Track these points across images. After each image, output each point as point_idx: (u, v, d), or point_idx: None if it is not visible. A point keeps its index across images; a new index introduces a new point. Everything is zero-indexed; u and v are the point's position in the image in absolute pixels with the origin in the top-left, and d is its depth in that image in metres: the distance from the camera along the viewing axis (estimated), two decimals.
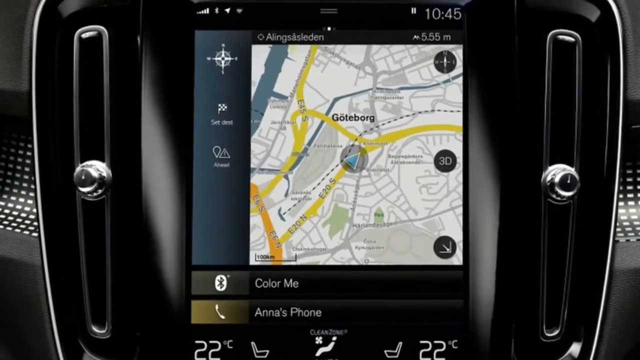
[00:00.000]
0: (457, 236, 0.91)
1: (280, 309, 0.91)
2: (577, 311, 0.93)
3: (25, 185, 1.03)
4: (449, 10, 0.92)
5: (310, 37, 0.93)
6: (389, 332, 0.91)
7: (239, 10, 0.93)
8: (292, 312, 0.91)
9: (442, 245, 0.91)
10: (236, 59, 0.92)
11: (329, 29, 0.93)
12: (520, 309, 0.92)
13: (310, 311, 0.91)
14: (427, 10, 0.92)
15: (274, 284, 0.91)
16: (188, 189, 0.91)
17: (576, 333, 0.93)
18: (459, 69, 0.92)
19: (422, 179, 0.92)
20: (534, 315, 0.92)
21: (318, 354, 0.92)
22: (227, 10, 0.93)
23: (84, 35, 0.93)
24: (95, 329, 0.93)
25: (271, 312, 0.91)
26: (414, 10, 0.92)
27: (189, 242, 0.91)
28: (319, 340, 0.91)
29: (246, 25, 0.93)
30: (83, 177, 0.90)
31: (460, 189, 0.91)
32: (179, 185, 0.91)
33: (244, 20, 0.93)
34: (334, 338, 0.91)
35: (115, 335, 0.93)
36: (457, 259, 0.91)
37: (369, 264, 0.91)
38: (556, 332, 0.93)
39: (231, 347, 0.91)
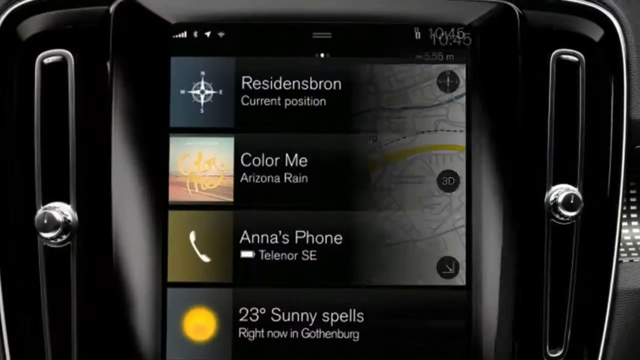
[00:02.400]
0: (460, 256, 0.91)
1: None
2: (581, 331, 0.94)
3: None
4: (452, 30, 0.92)
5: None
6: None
7: (221, 34, 0.90)
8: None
9: (445, 265, 0.91)
10: (220, 92, 0.89)
11: (322, 55, 0.91)
12: (523, 329, 0.93)
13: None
14: (430, 30, 0.92)
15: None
16: (164, 234, 0.88)
17: (580, 354, 0.95)
18: (462, 88, 0.92)
19: (425, 199, 0.92)
20: (537, 336, 0.93)
21: None
22: (207, 34, 0.90)
23: (46, 61, 0.89)
24: None
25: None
26: (418, 35, 0.92)
27: (165, 295, 0.88)
28: None
29: (229, 52, 0.90)
30: (45, 221, 0.86)
31: (463, 209, 0.92)
32: (154, 230, 0.88)
33: (226, 45, 0.90)
34: None
35: None
36: (460, 279, 0.91)
37: (371, 284, 0.91)
38: (559, 353, 0.94)
39: None
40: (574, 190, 0.92)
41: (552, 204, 0.93)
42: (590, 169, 0.94)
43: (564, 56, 0.94)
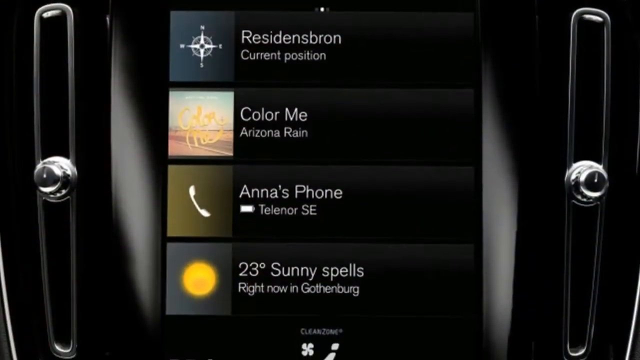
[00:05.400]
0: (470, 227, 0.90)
1: None
2: (606, 328, 0.91)
3: None
4: None
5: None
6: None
7: None
8: None
9: (451, 227, 0.90)
10: (220, 46, 0.90)
11: (321, 9, 0.91)
12: (541, 325, 0.90)
13: None
14: None
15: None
16: (164, 188, 0.89)
17: (604, 352, 0.92)
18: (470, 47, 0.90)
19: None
20: (557, 333, 0.90)
21: None
22: None
23: (45, 15, 0.90)
24: (58, 347, 0.91)
25: None
26: None
27: (165, 250, 0.89)
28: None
29: (229, 5, 0.91)
30: (44, 176, 0.88)
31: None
32: (154, 184, 0.89)
33: None
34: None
35: (81, 355, 0.91)
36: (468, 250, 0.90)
37: (371, 238, 0.91)
38: (582, 352, 0.91)
39: None
40: (598, 167, 0.88)
41: (573, 183, 0.89)
42: (616, 144, 0.90)
43: (587, 16, 0.89)
